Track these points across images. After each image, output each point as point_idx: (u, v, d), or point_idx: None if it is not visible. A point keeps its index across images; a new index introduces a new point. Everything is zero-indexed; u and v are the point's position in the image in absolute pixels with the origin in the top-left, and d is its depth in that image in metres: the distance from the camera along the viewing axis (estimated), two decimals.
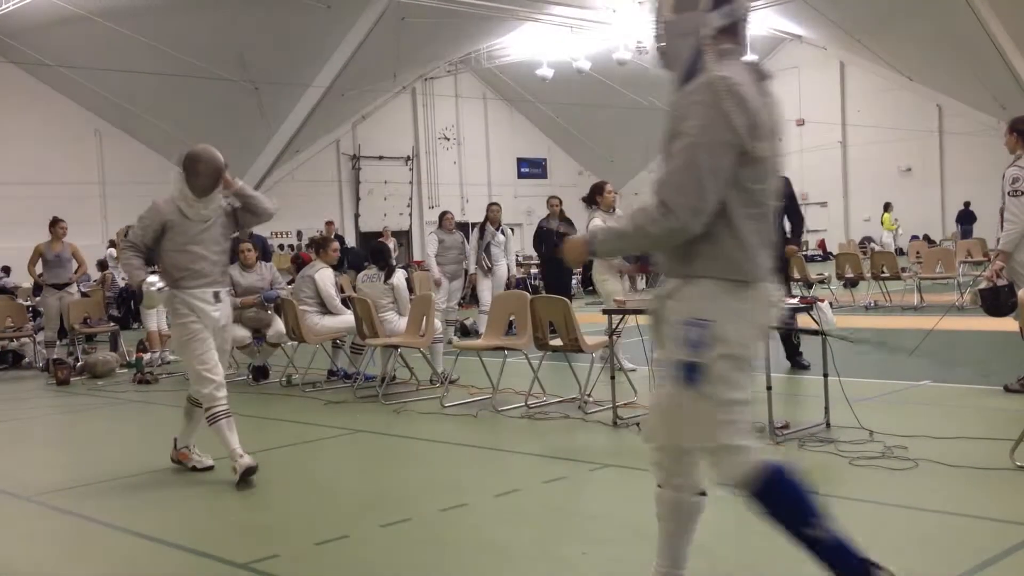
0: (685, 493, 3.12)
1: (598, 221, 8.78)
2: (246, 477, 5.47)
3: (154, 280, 5.58)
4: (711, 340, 2.85)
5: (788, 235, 8.43)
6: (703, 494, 3.13)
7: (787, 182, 8.73)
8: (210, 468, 5.93)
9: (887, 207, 25.96)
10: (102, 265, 18.97)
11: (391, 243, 21.45)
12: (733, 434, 2.90)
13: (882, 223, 26.26)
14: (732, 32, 2.92)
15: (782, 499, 2.92)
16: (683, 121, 2.83)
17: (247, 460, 5.50)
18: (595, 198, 9.05)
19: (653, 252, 3.02)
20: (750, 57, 2.99)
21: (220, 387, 5.68)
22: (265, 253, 15.00)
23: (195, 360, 5.64)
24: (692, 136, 2.78)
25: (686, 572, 3.21)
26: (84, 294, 14.17)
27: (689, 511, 3.14)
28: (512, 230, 15.42)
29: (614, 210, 9.11)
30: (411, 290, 10.19)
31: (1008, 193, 6.77)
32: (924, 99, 28.87)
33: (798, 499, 2.91)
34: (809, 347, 8.00)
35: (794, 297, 6.48)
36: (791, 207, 8.67)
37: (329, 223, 19.95)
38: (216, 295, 5.72)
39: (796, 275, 14.23)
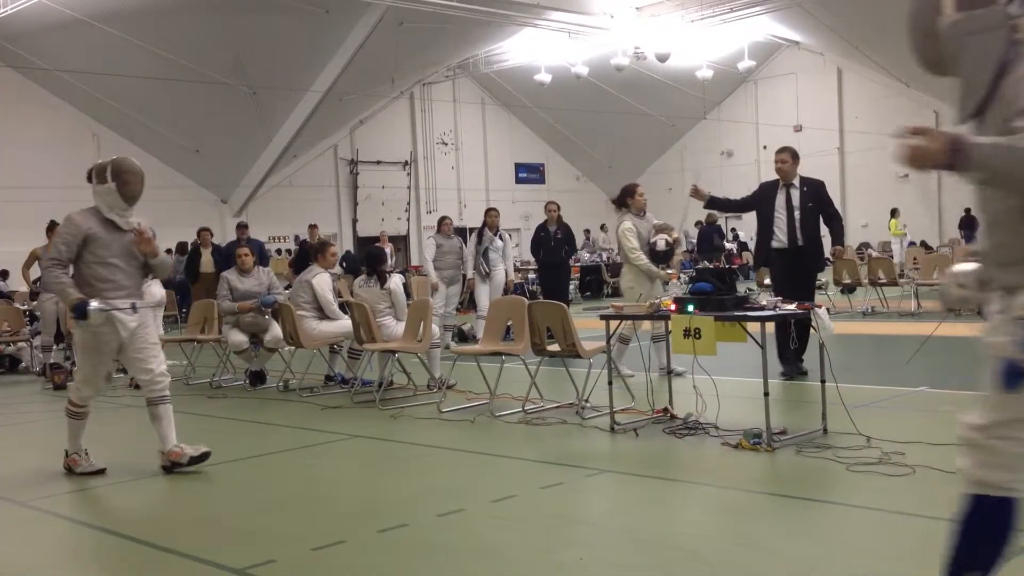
0: None
1: (629, 224, 8.81)
2: (78, 473, 5.93)
3: (96, 303, 5.79)
4: None
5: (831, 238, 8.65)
6: None
7: (822, 185, 8.68)
8: (207, 455, 6.05)
9: (894, 213, 26.00)
10: None
11: (388, 248, 21.34)
12: (1007, 449, 2.63)
13: (889, 229, 26.28)
14: None
15: (982, 530, 2.69)
16: (1017, 100, 2.54)
17: (95, 464, 6.00)
18: (626, 200, 9.03)
19: None
20: None
21: (95, 396, 6.15)
22: (262, 258, 15.00)
23: (91, 368, 6.03)
24: None
25: None
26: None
27: None
28: (511, 235, 15.41)
29: (644, 213, 9.08)
30: (409, 295, 10.18)
31: None
32: (921, 105, 28.91)
33: (992, 544, 2.67)
34: (807, 353, 7.99)
35: (791, 303, 6.47)
36: (829, 211, 8.67)
37: (313, 227, 19.06)
38: (133, 306, 5.98)
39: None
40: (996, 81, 2.66)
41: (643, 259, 8.81)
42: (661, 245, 8.81)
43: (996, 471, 2.65)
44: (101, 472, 6.04)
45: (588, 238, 28.83)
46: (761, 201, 8.69)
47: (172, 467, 5.99)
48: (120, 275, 5.91)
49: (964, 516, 2.73)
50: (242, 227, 14.90)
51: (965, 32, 2.71)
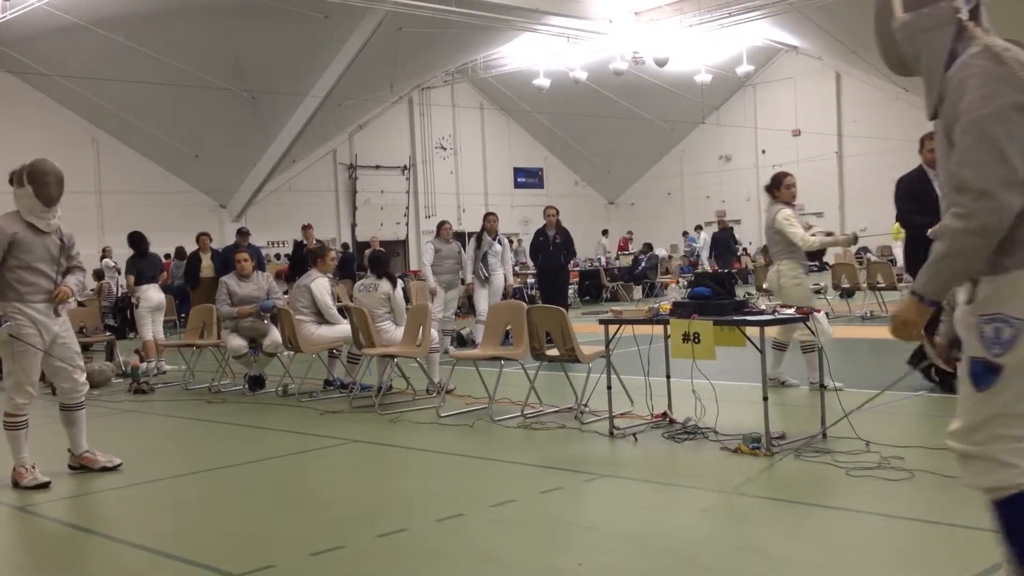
0: None
1: (788, 211, 8.04)
2: (24, 487, 5.84)
3: (7, 324, 5.84)
4: (1019, 341, 2.57)
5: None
6: None
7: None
8: (118, 466, 6.24)
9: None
10: (98, 275, 18.95)
11: None
12: (999, 448, 2.65)
13: (892, 234, 26.26)
14: (975, 16, 2.75)
15: (1018, 532, 2.67)
16: (958, 103, 2.62)
17: (40, 477, 5.89)
18: (774, 189, 8.26)
19: (987, 251, 2.59)
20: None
21: (31, 402, 6.05)
22: (260, 263, 14.98)
23: (22, 373, 5.94)
24: (975, 110, 2.57)
25: None
26: (80, 303, 14.14)
27: None
28: (511, 240, 15.38)
29: (793, 206, 8.30)
30: (408, 300, 10.18)
31: None
32: (919, 110, 28.61)
33: None
34: (805, 357, 7.99)
35: (789, 307, 6.48)
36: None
37: (307, 227, 17.68)
38: (55, 310, 6.03)
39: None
40: (944, 74, 2.73)
41: (814, 240, 7.95)
42: (835, 238, 8.18)
43: (998, 473, 2.66)
44: (46, 486, 5.89)
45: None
46: (920, 197, 7.53)
47: (80, 468, 6.22)
48: (43, 279, 5.95)
49: (1000, 525, 2.71)
50: (243, 234, 14.86)
51: (916, 31, 2.80)
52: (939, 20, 2.75)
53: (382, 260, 9.43)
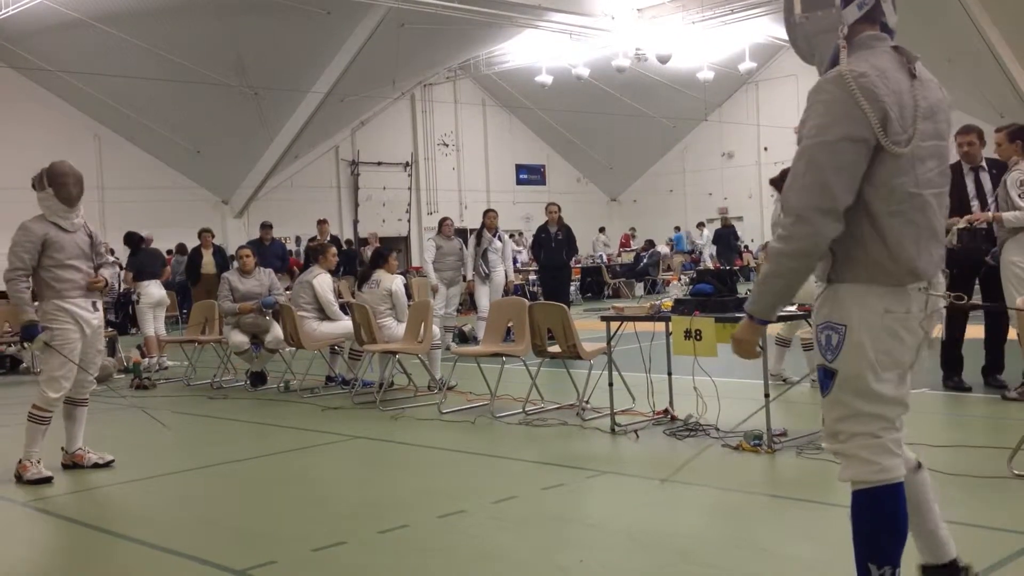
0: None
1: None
2: (27, 481, 5.91)
3: (45, 335, 5.95)
4: (844, 345, 2.75)
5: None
6: (919, 466, 2.99)
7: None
8: (110, 463, 6.28)
9: None
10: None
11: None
12: (856, 445, 2.80)
13: None
14: (869, 19, 2.82)
15: (866, 523, 2.85)
16: (803, 125, 2.77)
17: (43, 471, 5.95)
18: (781, 184, 8.37)
19: (806, 272, 2.78)
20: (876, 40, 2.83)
21: (61, 397, 6.09)
22: (283, 258, 14.98)
23: (57, 368, 5.99)
24: (811, 136, 2.72)
25: (951, 559, 3.04)
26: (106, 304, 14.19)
27: (911, 491, 2.93)
28: (516, 236, 15.37)
29: None
30: (409, 296, 10.18)
31: (1019, 196, 6.81)
32: None
33: (882, 533, 2.82)
34: (808, 354, 7.99)
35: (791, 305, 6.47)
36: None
37: (322, 222, 17.48)
38: (94, 304, 6.19)
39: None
40: None
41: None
42: None
43: (858, 467, 2.82)
44: (48, 481, 5.95)
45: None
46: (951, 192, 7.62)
47: (72, 466, 6.24)
48: (78, 275, 6.08)
49: (852, 514, 2.92)
50: (266, 227, 14.87)
51: (812, 32, 2.92)
52: (828, 25, 2.85)
53: (382, 254, 9.44)
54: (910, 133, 2.71)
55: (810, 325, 6.61)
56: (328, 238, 15.43)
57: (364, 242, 22.16)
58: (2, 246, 6.73)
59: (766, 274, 2.82)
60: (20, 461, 6.02)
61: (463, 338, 12.99)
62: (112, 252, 20.51)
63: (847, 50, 2.79)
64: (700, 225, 30.27)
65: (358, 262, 18.79)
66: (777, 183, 8.36)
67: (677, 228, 30.37)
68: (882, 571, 2.80)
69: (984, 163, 7.47)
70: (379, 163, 30.47)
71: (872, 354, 2.73)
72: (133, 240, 12.48)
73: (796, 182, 2.73)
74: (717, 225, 27.52)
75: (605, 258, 26.06)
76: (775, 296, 2.84)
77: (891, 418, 2.80)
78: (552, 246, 13.15)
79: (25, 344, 6.12)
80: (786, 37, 3.12)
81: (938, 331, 2.98)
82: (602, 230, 31.56)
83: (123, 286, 16.05)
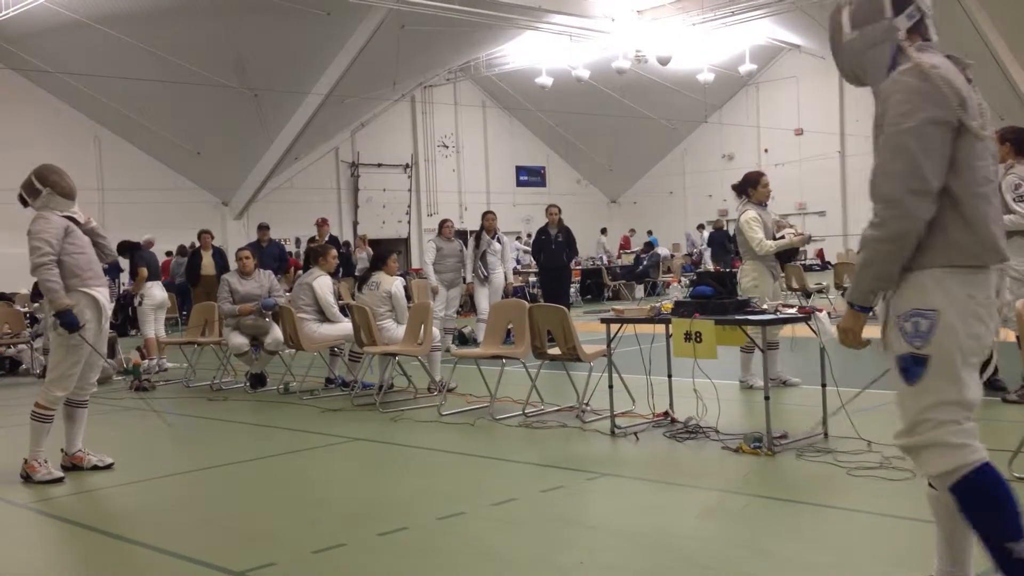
0: None
1: (753, 213, 8.13)
2: (37, 481, 5.91)
3: (83, 328, 5.92)
4: (936, 330, 2.77)
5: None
6: None
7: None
8: (110, 465, 6.25)
9: None
10: None
11: (364, 253, 20.44)
12: (945, 432, 2.80)
13: None
14: (918, 31, 2.96)
15: (981, 509, 2.80)
16: (883, 116, 2.83)
17: (54, 472, 5.96)
18: (747, 189, 8.34)
19: (900, 256, 2.80)
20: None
21: (66, 396, 6.09)
22: (282, 259, 14.95)
23: (68, 366, 5.97)
24: (895, 124, 2.77)
25: (971, 572, 3.03)
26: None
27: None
28: (519, 237, 15.34)
29: (766, 206, 8.39)
30: (409, 298, 10.18)
31: (1013, 199, 6.80)
32: None
33: (999, 510, 2.77)
34: (807, 357, 7.99)
35: (791, 307, 6.48)
36: None
37: (322, 223, 16.14)
38: (110, 291, 6.30)
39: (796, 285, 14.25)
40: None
41: (770, 244, 8.07)
42: (790, 240, 8.20)
43: (951, 455, 2.80)
44: (60, 481, 5.96)
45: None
46: None
47: (72, 468, 6.20)
48: (96, 265, 6.14)
49: (961, 507, 2.82)
50: (263, 228, 14.86)
51: (862, 47, 3.00)
52: (880, 37, 2.94)
53: (381, 255, 9.45)
54: (980, 122, 2.80)
55: (812, 330, 6.63)
56: (327, 238, 15.39)
57: (347, 245, 21.74)
58: (2, 246, 6.74)
59: (861, 262, 2.86)
60: (26, 462, 6.00)
61: (463, 340, 12.99)
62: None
63: (908, 50, 2.87)
64: (700, 227, 30.20)
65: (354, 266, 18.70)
66: (744, 188, 8.44)
67: (700, 227, 30.25)
68: (1020, 544, 2.75)
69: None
70: (379, 165, 30.48)
71: (963, 338, 2.77)
72: (127, 248, 12.17)
73: (884, 169, 2.80)
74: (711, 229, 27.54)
75: (605, 260, 26.04)
76: (872, 282, 2.87)
77: (972, 406, 2.82)
78: (552, 248, 13.16)
79: (60, 331, 5.88)
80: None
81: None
82: (604, 231, 31.56)
83: (123, 288, 16.03)
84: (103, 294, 6.11)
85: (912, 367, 2.82)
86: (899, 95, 2.79)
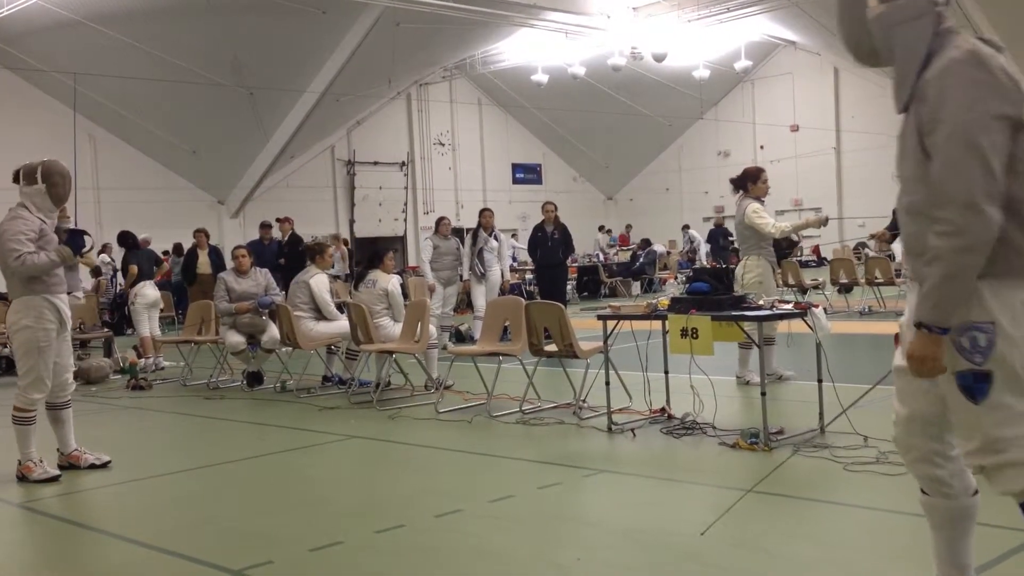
0: (962, 498, 2.90)
1: (757, 204, 8.10)
2: (33, 481, 5.91)
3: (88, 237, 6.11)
4: (997, 344, 2.55)
5: None
6: (976, 493, 2.91)
7: None
8: (107, 463, 6.26)
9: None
10: (95, 271, 18.92)
11: (338, 252, 19.97)
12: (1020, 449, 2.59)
13: None
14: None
15: None
16: (940, 108, 2.54)
17: (49, 470, 5.98)
18: (747, 184, 8.33)
19: (980, 267, 2.53)
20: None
21: (44, 398, 6.08)
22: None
23: (42, 367, 5.97)
24: (959, 117, 2.50)
25: (973, 572, 2.97)
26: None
27: (966, 514, 2.90)
28: (515, 235, 15.31)
29: (764, 202, 8.33)
30: (406, 296, 10.18)
31: None
32: None
33: None
34: (803, 353, 8.00)
35: (787, 303, 6.48)
36: None
37: (284, 219, 16.29)
38: (106, 290, 6.20)
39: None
40: (921, 73, 2.66)
41: (786, 225, 8.09)
42: (806, 220, 8.18)
43: None
44: (56, 479, 5.96)
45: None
46: None
47: (69, 467, 6.21)
48: (60, 271, 6.11)
49: None
50: (265, 227, 14.78)
51: (892, 23, 2.70)
52: (916, 12, 2.66)
53: (378, 253, 9.44)
54: None
55: (809, 326, 6.64)
56: (288, 236, 15.28)
57: (362, 242, 21.45)
58: None
59: (941, 277, 2.53)
60: (21, 463, 5.99)
61: (460, 337, 12.99)
62: (108, 250, 20.57)
63: (950, 35, 2.62)
64: (685, 227, 29.53)
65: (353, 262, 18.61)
66: (743, 183, 8.43)
67: (685, 227, 30.04)
68: None
69: None
70: (375, 163, 30.45)
71: None
72: (127, 240, 12.40)
73: (956, 169, 2.50)
74: (711, 225, 27.51)
75: (602, 257, 26.02)
76: (955, 298, 2.55)
77: None
78: (548, 245, 13.14)
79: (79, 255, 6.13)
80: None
81: None
82: (602, 229, 31.55)
83: (119, 287, 16.00)
84: (64, 301, 6.10)
85: (975, 385, 2.59)
86: (958, 87, 2.52)
